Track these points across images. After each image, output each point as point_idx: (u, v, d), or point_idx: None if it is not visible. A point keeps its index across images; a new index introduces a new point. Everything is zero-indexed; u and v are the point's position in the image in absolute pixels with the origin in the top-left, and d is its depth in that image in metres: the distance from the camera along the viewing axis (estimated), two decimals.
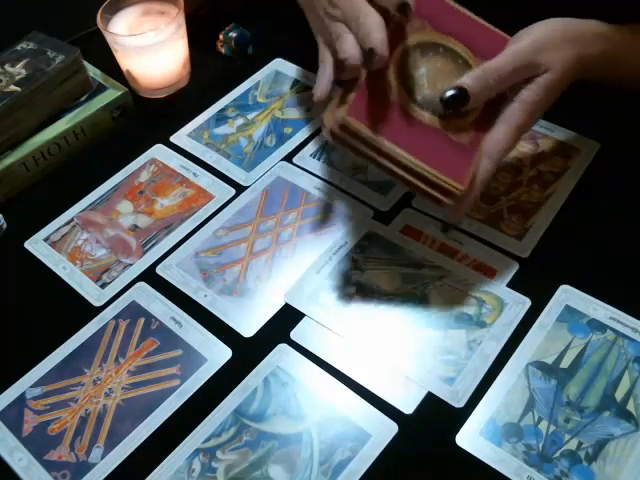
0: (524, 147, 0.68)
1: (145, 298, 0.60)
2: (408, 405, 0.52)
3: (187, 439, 0.51)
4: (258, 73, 0.80)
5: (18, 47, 0.74)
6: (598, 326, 0.55)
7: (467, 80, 0.52)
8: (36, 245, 0.65)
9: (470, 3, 0.57)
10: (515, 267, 0.59)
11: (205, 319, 0.58)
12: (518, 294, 0.58)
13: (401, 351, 0.55)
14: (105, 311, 0.60)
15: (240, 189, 0.68)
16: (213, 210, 0.66)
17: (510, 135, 0.54)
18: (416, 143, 0.50)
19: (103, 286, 0.61)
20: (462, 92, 0.51)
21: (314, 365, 0.55)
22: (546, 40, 0.54)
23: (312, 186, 0.68)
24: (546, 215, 0.63)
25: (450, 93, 0.51)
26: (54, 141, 0.71)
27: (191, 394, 0.54)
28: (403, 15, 0.50)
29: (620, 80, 0.60)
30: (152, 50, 0.73)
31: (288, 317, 0.58)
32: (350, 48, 0.50)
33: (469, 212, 0.63)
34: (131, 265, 0.63)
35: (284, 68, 0.80)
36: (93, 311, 0.60)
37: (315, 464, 0.50)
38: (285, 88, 0.78)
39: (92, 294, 0.61)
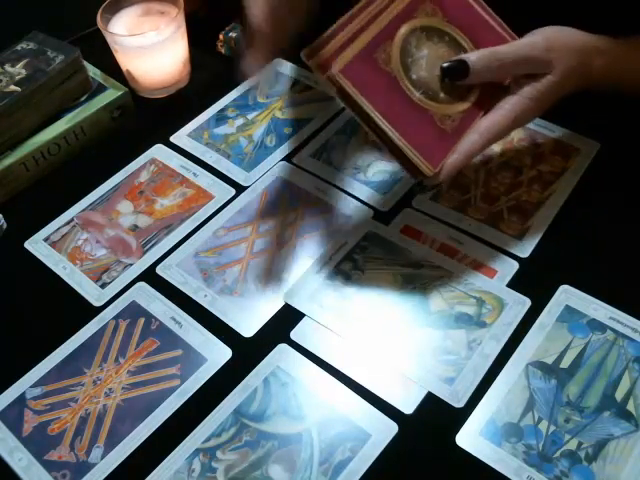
0: (524, 147, 0.68)
1: (145, 298, 0.60)
2: (408, 405, 0.52)
3: (187, 439, 0.51)
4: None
5: (18, 47, 0.74)
6: (598, 326, 0.55)
7: (471, 56, 0.53)
8: (36, 245, 0.65)
9: None
10: (515, 267, 0.59)
11: (205, 319, 0.58)
12: (518, 294, 0.58)
13: (401, 351, 0.55)
14: (105, 311, 0.60)
15: (240, 189, 0.68)
16: (213, 210, 0.66)
17: (504, 122, 0.54)
18: (399, 116, 0.51)
19: (103, 286, 0.61)
20: (463, 64, 0.53)
21: (314, 365, 0.55)
22: (557, 42, 0.55)
23: (312, 186, 0.68)
24: (546, 215, 0.63)
25: (451, 62, 0.53)
26: (54, 141, 0.71)
27: (191, 394, 0.54)
28: None
29: (622, 92, 0.61)
30: (152, 50, 0.73)
31: (288, 317, 0.58)
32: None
33: (470, 212, 0.63)
34: (131, 265, 0.63)
35: (284, 68, 0.80)
36: (93, 311, 0.60)
37: (315, 464, 0.50)
38: (285, 88, 0.78)
39: (92, 294, 0.61)
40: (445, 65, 0.53)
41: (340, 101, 0.52)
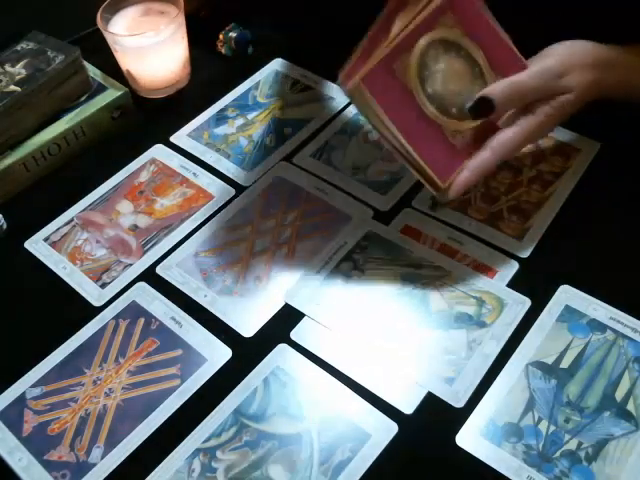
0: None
1: (145, 298, 0.60)
2: (408, 405, 0.52)
3: (187, 439, 0.51)
4: (258, 73, 0.80)
5: (18, 47, 0.74)
6: (598, 326, 0.55)
7: (494, 91, 0.53)
8: (36, 245, 0.65)
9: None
10: (515, 267, 0.59)
11: (205, 319, 0.58)
12: (518, 294, 0.58)
13: (401, 351, 0.55)
14: (105, 311, 0.60)
15: (240, 189, 0.68)
16: (213, 210, 0.66)
17: (517, 139, 0.54)
18: (413, 129, 0.52)
19: (103, 286, 0.61)
20: (489, 102, 0.53)
21: (314, 365, 0.55)
22: (571, 63, 0.55)
23: (312, 186, 0.68)
24: (546, 215, 0.63)
25: (477, 101, 0.53)
26: (54, 141, 0.71)
27: (191, 394, 0.54)
28: None
29: (633, 102, 0.61)
30: (152, 50, 0.73)
31: (288, 317, 0.58)
32: None
33: (470, 212, 0.63)
34: (131, 265, 0.63)
35: (284, 68, 0.80)
36: (93, 311, 0.60)
37: (315, 464, 0.50)
38: (285, 88, 0.78)
39: (92, 294, 0.61)
40: (471, 105, 0.53)
41: (362, 114, 0.53)
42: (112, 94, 0.74)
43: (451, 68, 0.54)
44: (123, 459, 0.51)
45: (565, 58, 0.56)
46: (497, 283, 0.58)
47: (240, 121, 0.75)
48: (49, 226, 0.67)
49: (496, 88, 0.53)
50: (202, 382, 0.55)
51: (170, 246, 0.64)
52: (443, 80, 0.54)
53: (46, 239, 0.66)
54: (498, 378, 0.53)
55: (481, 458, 0.49)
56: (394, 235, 0.62)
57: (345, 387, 0.53)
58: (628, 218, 0.63)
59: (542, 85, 0.54)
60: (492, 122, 0.55)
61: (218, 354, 0.56)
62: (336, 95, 0.75)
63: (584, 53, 0.57)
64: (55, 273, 0.63)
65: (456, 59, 0.55)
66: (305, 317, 0.58)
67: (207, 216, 0.66)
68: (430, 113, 0.53)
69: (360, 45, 0.54)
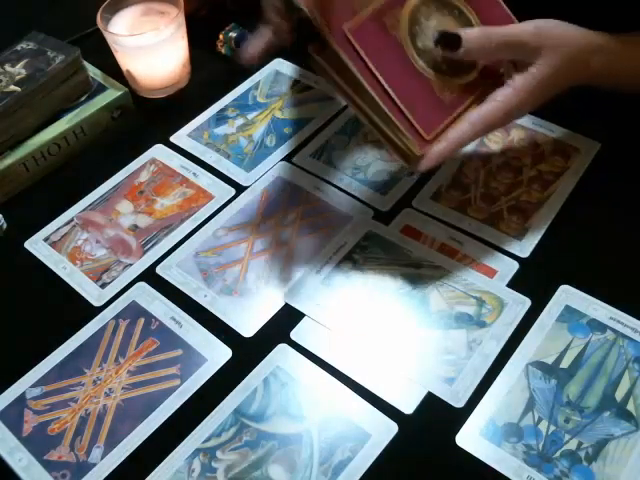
0: (524, 147, 0.68)
1: (145, 298, 0.60)
2: (408, 405, 0.52)
3: (187, 439, 0.51)
4: (258, 73, 0.80)
5: (18, 47, 0.74)
6: (598, 326, 0.55)
7: (467, 31, 0.54)
8: (36, 245, 0.65)
9: None
10: (515, 267, 0.59)
11: (205, 319, 0.58)
12: (518, 294, 0.58)
13: (401, 351, 0.55)
14: (105, 311, 0.60)
15: (240, 189, 0.68)
16: (213, 210, 0.66)
17: (496, 114, 0.54)
18: (400, 80, 0.52)
19: (103, 286, 0.61)
20: (456, 37, 0.53)
21: (314, 365, 0.55)
22: (548, 32, 0.55)
23: (312, 186, 0.68)
24: (546, 215, 0.63)
25: (447, 32, 0.53)
26: (54, 141, 0.71)
27: (191, 394, 0.54)
28: None
29: (621, 90, 0.61)
30: (152, 50, 0.73)
31: (288, 317, 0.58)
32: None
33: (470, 212, 0.63)
34: (131, 265, 0.63)
35: (284, 68, 0.80)
36: (93, 311, 0.60)
37: (315, 464, 0.50)
38: (285, 88, 0.78)
39: (92, 294, 0.61)
40: (439, 33, 0.54)
41: (329, 71, 0.52)
42: (112, 94, 0.74)
43: (443, 24, 0.55)
44: (123, 459, 0.51)
45: (544, 25, 0.55)
46: (497, 283, 0.58)
47: (240, 121, 0.75)
48: (49, 226, 0.67)
49: (468, 30, 0.54)
50: (202, 382, 0.55)
51: (170, 246, 0.64)
52: (434, 32, 0.54)
53: (46, 239, 0.66)
54: (498, 378, 0.53)
55: (481, 458, 0.49)
56: (394, 235, 0.62)
57: (345, 387, 0.53)
58: (628, 218, 0.63)
59: (511, 37, 0.54)
60: (479, 86, 0.55)
61: (218, 354, 0.56)
62: (336, 95, 0.75)
63: (566, 32, 0.56)
64: (55, 273, 0.63)
65: (448, 17, 0.55)
66: (305, 317, 0.58)
67: (207, 216, 0.66)
68: (419, 67, 0.53)
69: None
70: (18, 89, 0.69)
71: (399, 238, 0.62)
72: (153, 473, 0.50)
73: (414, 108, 0.52)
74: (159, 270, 0.62)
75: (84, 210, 0.68)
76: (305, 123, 0.74)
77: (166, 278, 0.62)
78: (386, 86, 0.51)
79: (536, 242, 0.61)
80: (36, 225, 0.67)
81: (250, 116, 0.75)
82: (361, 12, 0.52)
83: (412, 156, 0.53)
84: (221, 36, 0.81)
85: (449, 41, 0.53)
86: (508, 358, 0.54)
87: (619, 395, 0.52)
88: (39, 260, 0.64)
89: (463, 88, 0.55)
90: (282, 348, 0.56)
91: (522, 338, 0.55)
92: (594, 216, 0.63)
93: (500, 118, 0.54)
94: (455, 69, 0.55)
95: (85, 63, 0.74)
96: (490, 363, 0.54)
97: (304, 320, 0.58)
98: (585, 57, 0.56)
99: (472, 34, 0.53)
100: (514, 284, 0.58)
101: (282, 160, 0.70)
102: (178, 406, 0.53)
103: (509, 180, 0.66)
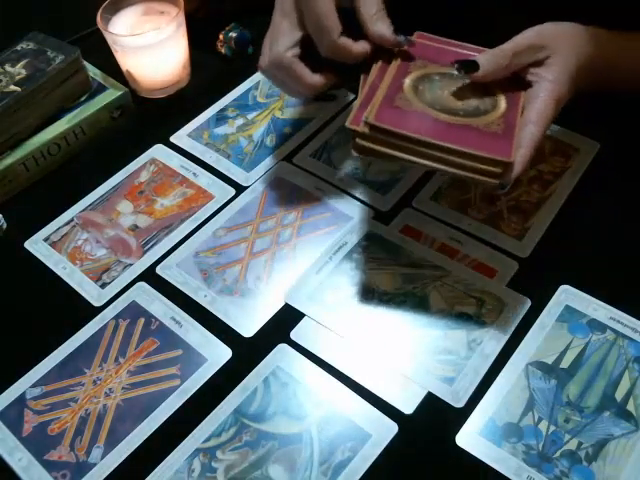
0: None
1: (145, 298, 0.60)
2: (408, 405, 0.52)
3: (187, 439, 0.51)
4: (258, 73, 0.80)
5: (18, 47, 0.74)
6: (598, 326, 0.55)
7: (478, 56, 0.55)
8: (36, 245, 0.65)
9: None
10: (515, 267, 0.59)
11: (205, 319, 0.58)
12: (518, 294, 0.58)
13: (401, 351, 0.55)
14: (105, 311, 0.60)
15: (240, 189, 0.68)
16: (213, 210, 0.66)
17: (550, 105, 0.54)
18: (450, 135, 0.51)
19: (103, 286, 0.61)
20: (472, 62, 0.54)
21: (314, 365, 0.55)
22: (546, 29, 0.56)
23: (312, 186, 0.68)
24: (546, 215, 0.63)
25: (461, 61, 0.55)
26: (54, 141, 0.71)
27: (191, 394, 0.54)
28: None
29: (612, 86, 0.61)
30: (152, 50, 0.73)
31: (288, 317, 0.58)
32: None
33: (470, 212, 0.63)
34: (131, 265, 0.63)
35: None
36: (93, 311, 0.60)
37: (315, 464, 0.50)
38: None
39: (92, 294, 0.61)
40: (457, 62, 0.55)
41: (389, 153, 0.51)
42: (112, 94, 0.74)
43: (448, 84, 0.56)
44: (123, 459, 0.51)
45: (540, 26, 0.57)
46: (497, 283, 0.58)
47: (240, 121, 0.75)
48: (49, 226, 0.67)
49: (480, 55, 0.55)
50: (202, 382, 0.55)
51: (170, 246, 0.64)
52: (443, 97, 0.54)
53: (46, 239, 0.66)
54: (498, 378, 0.53)
55: (481, 458, 0.49)
56: (394, 235, 0.62)
57: (345, 387, 0.53)
58: (628, 218, 0.63)
59: (519, 44, 0.55)
60: (513, 104, 0.55)
61: (218, 354, 0.56)
62: (336, 95, 0.75)
63: (563, 25, 0.58)
64: (55, 273, 0.63)
65: (446, 78, 0.56)
66: (305, 317, 0.58)
67: (207, 216, 0.66)
68: (454, 120, 0.52)
69: (360, 93, 0.55)
70: (18, 89, 0.69)
71: (399, 238, 0.62)
72: (153, 473, 0.50)
73: (478, 145, 0.51)
74: (159, 270, 0.62)
75: (84, 210, 0.68)
76: (305, 123, 0.74)
77: (166, 278, 0.62)
78: (443, 142, 0.50)
79: (536, 242, 0.61)
80: (36, 225, 0.67)
81: (250, 116, 0.75)
82: (369, 107, 0.52)
83: (501, 169, 0.50)
84: (221, 36, 0.81)
85: (467, 66, 0.55)
86: (508, 358, 0.54)
87: (619, 395, 0.52)
88: (39, 260, 0.64)
89: (504, 117, 0.54)
90: (282, 348, 0.56)
91: (522, 338, 0.55)
92: (594, 216, 0.63)
93: (553, 108, 0.55)
94: (486, 107, 0.55)
95: (85, 63, 0.74)
96: (490, 363, 0.54)
97: (304, 320, 0.58)
98: (586, 49, 0.57)
99: (484, 55, 0.55)
100: (514, 284, 0.58)
101: (282, 160, 0.70)
102: (178, 406, 0.53)
103: None
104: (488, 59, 0.55)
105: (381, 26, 0.56)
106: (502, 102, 0.55)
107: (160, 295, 0.60)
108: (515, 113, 0.55)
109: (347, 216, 0.65)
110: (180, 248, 0.64)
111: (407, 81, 0.55)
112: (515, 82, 0.56)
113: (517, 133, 0.52)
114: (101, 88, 0.75)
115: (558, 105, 0.55)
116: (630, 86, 0.61)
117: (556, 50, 0.56)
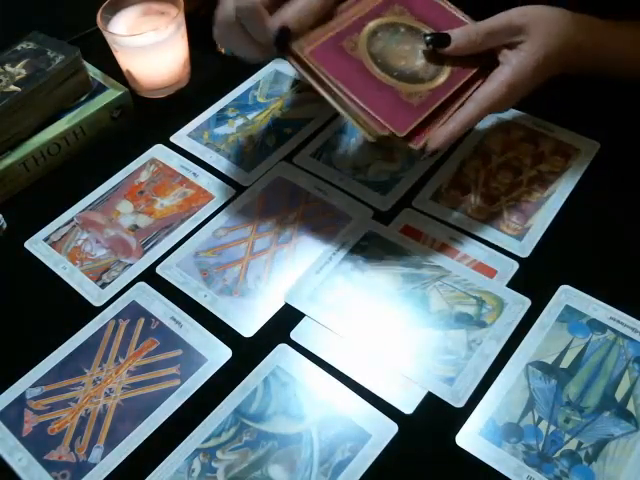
0: (524, 147, 0.68)
1: (145, 298, 0.60)
2: (408, 405, 0.52)
3: (187, 439, 0.51)
4: (258, 73, 0.80)
5: (18, 47, 0.74)
6: (598, 326, 0.55)
7: (452, 31, 0.57)
8: (36, 245, 0.65)
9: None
10: (515, 267, 0.59)
11: (205, 319, 0.58)
12: (518, 294, 0.58)
13: (401, 351, 0.55)
14: (105, 311, 0.60)
15: (240, 189, 0.68)
16: (213, 210, 0.66)
17: (500, 90, 0.55)
18: (365, 90, 0.54)
19: (103, 286, 0.61)
20: (445, 36, 0.56)
21: (314, 365, 0.55)
22: (531, 10, 0.57)
23: (312, 186, 0.68)
24: (546, 215, 0.63)
25: (435, 34, 0.57)
26: (54, 141, 0.71)
27: (191, 394, 0.54)
28: None
29: (604, 67, 0.61)
30: (152, 50, 0.73)
31: (288, 317, 0.58)
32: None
33: (470, 212, 0.63)
34: (131, 265, 0.63)
35: (284, 68, 0.80)
36: (93, 311, 0.60)
37: (315, 464, 0.50)
38: (285, 88, 0.78)
39: (92, 294, 0.61)
40: (430, 34, 0.56)
41: (310, 82, 0.55)
42: (112, 94, 0.74)
43: (403, 40, 0.57)
44: (123, 459, 0.51)
45: (524, 7, 0.57)
46: (497, 283, 0.58)
47: (240, 121, 0.75)
48: (49, 226, 0.67)
49: (455, 29, 0.57)
50: (202, 382, 0.55)
51: (170, 246, 0.64)
52: (395, 52, 0.56)
53: (46, 239, 0.66)
54: (498, 378, 0.53)
55: (481, 458, 0.49)
56: (394, 235, 0.62)
57: (345, 387, 0.53)
58: (628, 218, 0.63)
59: (497, 22, 0.56)
60: (455, 82, 0.57)
61: (218, 354, 0.56)
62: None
63: (547, 9, 0.58)
64: (55, 273, 0.63)
65: (407, 35, 0.58)
66: (305, 317, 0.58)
67: (207, 216, 0.66)
68: (382, 77, 0.55)
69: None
70: (18, 89, 0.69)
71: (399, 238, 0.62)
72: (153, 473, 0.50)
73: (380, 109, 0.53)
74: (159, 270, 0.62)
75: (84, 210, 0.68)
76: (305, 123, 0.74)
77: (166, 278, 0.62)
78: (350, 93, 0.53)
79: (536, 242, 0.61)
80: (36, 225, 0.67)
81: (250, 116, 0.75)
82: (320, 34, 0.55)
83: (388, 134, 0.54)
84: None
85: (439, 40, 0.56)
86: (508, 358, 0.54)
87: (619, 395, 0.52)
88: (39, 260, 0.64)
89: (434, 90, 0.56)
90: (282, 348, 0.56)
91: (522, 338, 0.55)
92: (594, 216, 0.63)
93: (503, 95, 0.56)
94: (423, 76, 0.56)
95: (85, 63, 0.74)
96: (490, 363, 0.54)
97: (304, 320, 0.58)
98: (573, 34, 0.57)
99: (458, 30, 0.56)
100: (514, 284, 0.58)
101: (282, 160, 0.70)
102: (178, 406, 0.53)
103: (509, 180, 0.66)
104: (461, 35, 0.56)
105: None
106: (443, 76, 0.57)
107: (160, 295, 0.60)
108: (448, 89, 0.56)
109: (347, 216, 0.65)
110: (180, 248, 0.64)
111: (370, 25, 0.57)
112: (483, 60, 0.58)
113: (457, 112, 0.55)
114: (101, 88, 0.75)
115: (511, 91, 0.56)
116: (622, 66, 0.61)
117: (531, 35, 0.56)
